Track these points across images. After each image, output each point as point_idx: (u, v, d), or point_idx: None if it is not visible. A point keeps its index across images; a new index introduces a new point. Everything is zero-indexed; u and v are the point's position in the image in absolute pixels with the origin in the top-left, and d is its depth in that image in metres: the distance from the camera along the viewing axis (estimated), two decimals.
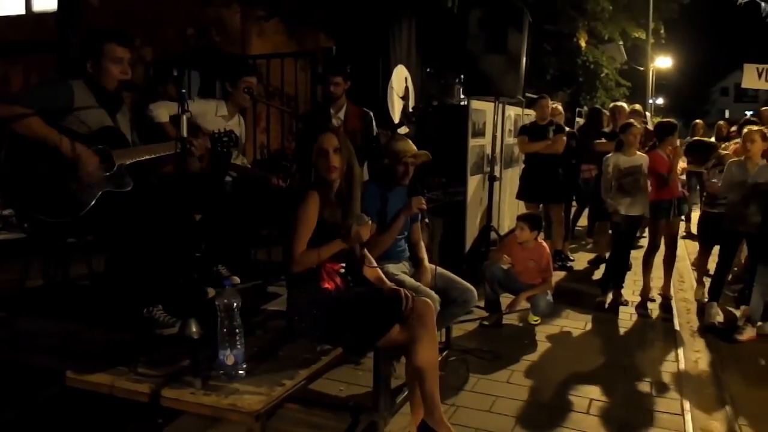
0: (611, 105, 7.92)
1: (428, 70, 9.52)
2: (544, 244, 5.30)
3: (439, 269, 3.80)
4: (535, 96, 8.58)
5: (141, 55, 3.55)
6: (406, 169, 3.71)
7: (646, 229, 6.21)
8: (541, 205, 7.15)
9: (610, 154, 5.67)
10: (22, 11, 10.36)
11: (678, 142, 6.44)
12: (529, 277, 5.12)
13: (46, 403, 2.99)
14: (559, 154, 6.86)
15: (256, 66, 6.10)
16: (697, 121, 9.48)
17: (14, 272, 3.43)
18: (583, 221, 9.01)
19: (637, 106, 8.02)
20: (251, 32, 10.70)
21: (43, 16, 9.92)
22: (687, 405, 3.69)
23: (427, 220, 3.71)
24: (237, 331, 2.47)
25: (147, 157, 3.18)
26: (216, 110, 3.96)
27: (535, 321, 5.14)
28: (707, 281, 5.66)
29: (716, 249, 5.60)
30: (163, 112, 3.75)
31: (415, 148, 3.80)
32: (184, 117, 2.72)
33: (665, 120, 6.12)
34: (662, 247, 5.83)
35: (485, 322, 5.06)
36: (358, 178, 3.08)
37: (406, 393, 3.43)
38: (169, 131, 3.71)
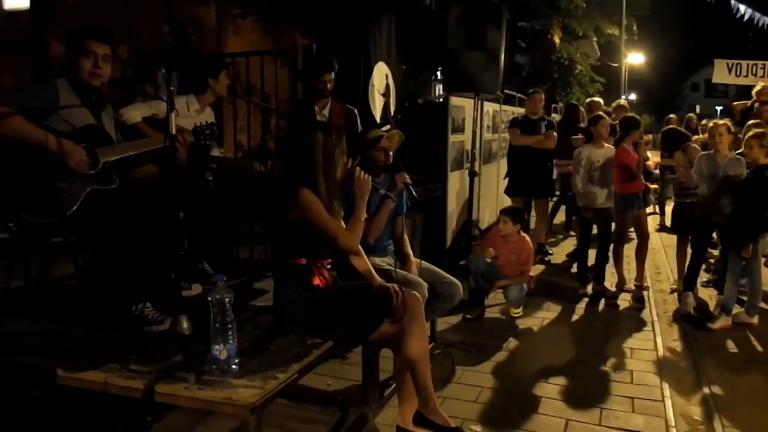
0: (588, 100, 8.04)
1: (403, 66, 9.57)
2: (527, 238, 5.39)
3: (425, 263, 3.86)
4: (512, 93, 8.68)
5: (116, 53, 3.53)
6: (386, 152, 3.77)
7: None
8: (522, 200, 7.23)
9: (581, 147, 5.79)
10: None
11: (650, 137, 6.58)
12: (511, 270, 5.21)
13: (33, 402, 2.98)
14: (550, 149, 6.97)
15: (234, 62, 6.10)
16: (671, 115, 9.67)
17: None
18: (560, 216, 9.14)
19: (622, 101, 8.15)
20: (227, 30, 10.66)
21: (15, 14, 9.75)
22: (666, 391, 3.79)
23: (415, 193, 3.75)
24: (230, 326, 2.49)
25: (132, 153, 3.18)
26: (188, 106, 3.95)
27: (517, 313, 5.22)
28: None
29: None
30: (134, 114, 3.72)
31: (384, 132, 3.88)
32: (172, 115, 2.73)
33: (629, 115, 6.26)
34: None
35: (468, 316, 5.12)
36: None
37: (394, 386, 3.49)
38: (144, 131, 3.70)
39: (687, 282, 5.53)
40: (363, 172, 3.11)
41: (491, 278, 5.19)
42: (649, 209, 6.88)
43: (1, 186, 2.89)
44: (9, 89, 3.34)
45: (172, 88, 2.73)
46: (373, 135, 3.81)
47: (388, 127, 5.38)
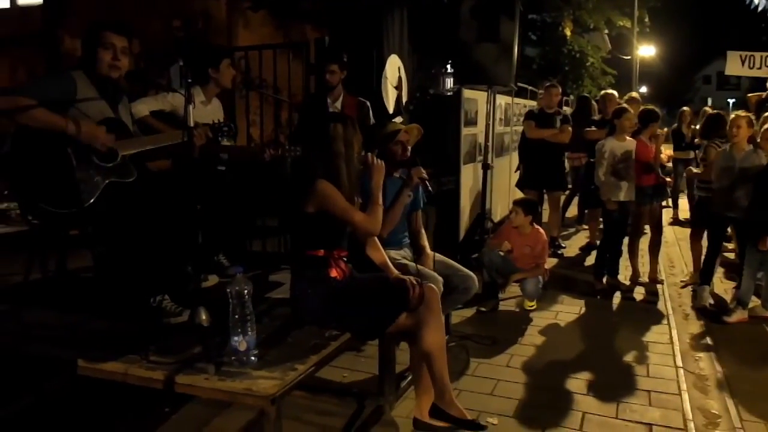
0: (601, 93, 8.00)
1: (415, 59, 9.56)
2: (541, 230, 5.37)
3: (440, 256, 3.84)
4: (524, 85, 8.64)
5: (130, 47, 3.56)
6: (404, 146, 3.75)
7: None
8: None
9: (605, 140, 5.73)
10: (6, 5, 10.25)
11: (664, 130, 6.49)
12: (525, 263, 5.20)
13: (54, 392, 3.00)
14: (564, 144, 6.94)
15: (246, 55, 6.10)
16: (685, 108, 9.59)
17: (15, 265, 3.43)
18: (572, 210, 9.11)
19: (634, 94, 8.10)
20: (238, 24, 10.69)
21: (29, 9, 9.82)
22: (683, 385, 3.77)
23: (429, 188, 3.74)
24: (248, 317, 2.49)
25: (150, 146, 3.19)
26: (193, 97, 3.94)
27: (531, 307, 5.21)
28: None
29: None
30: (142, 108, 3.75)
31: (402, 126, 3.87)
32: (190, 107, 2.73)
33: (649, 107, 6.21)
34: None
35: (482, 308, 5.12)
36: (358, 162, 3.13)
37: (410, 378, 3.49)
38: (153, 125, 3.72)
39: (702, 276, 5.50)
40: (375, 158, 3.12)
41: (505, 271, 5.19)
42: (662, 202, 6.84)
43: (21, 177, 2.91)
44: (27, 83, 3.36)
45: (189, 80, 2.73)
46: (390, 128, 3.79)
47: (400, 119, 5.38)
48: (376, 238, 3.20)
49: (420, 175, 3.71)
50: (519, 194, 7.26)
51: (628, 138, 5.67)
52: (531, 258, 5.23)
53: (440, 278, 3.42)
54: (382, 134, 3.79)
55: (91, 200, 2.93)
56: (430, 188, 3.77)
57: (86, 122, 2.96)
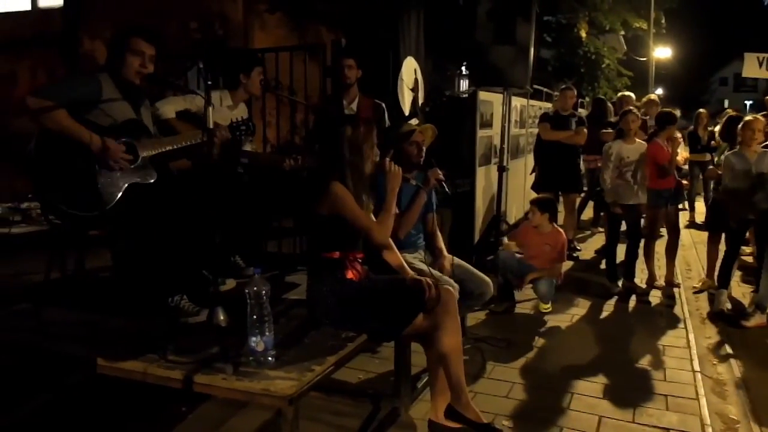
0: (619, 95, 7.97)
1: (431, 61, 9.55)
2: (561, 230, 5.35)
3: (457, 260, 3.85)
4: (540, 88, 8.61)
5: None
6: (418, 147, 3.75)
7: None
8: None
9: (611, 142, 5.72)
10: (28, 7, 10.36)
11: (678, 133, 6.42)
12: (542, 263, 5.17)
13: (73, 388, 3.04)
14: (580, 146, 6.92)
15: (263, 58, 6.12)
16: (701, 110, 9.50)
17: (35, 264, 3.47)
18: (588, 212, 9.06)
19: (653, 96, 8.06)
20: (254, 26, 10.72)
21: (49, 11, 9.93)
22: (701, 389, 3.73)
23: (447, 190, 3.73)
24: (266, 318, 2.51)
25: (170, 148, 3.22)
26: (221, 101, 3.97)
27: (546, 309, 5.18)
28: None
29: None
30: (168, 108, 3.77)
31: (417, 127, 3.87)
32: (210, 109, 2.75)
33: (666, 110, 6.17)
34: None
35: (495, 309, 5.10)
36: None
37: (425, 380, 3.50)
38: (176, 126, 3.74)
39: (720, 279, 5.45)
40: (393, 164, 3.11)
41: (521, 274, 5.17)
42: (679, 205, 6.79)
43: (44, 178, 2.94)
44: (55, 83, 3.39)
45: (210, 83, 2.76)
46: (406, 128, 3.80)
47: (416, 121, 5.38)
48: (391, 241, 3.20)
49: (437, 176, 3.72)
50: (534, 196, 7.23)
51: (638, 141, 5.65)
52: (550, 257, 5.20)
53: (456, 285, 3.41)
54: (397, 135, 3.80)
55: (113, 202, 2.97)
56: (447, 189, 3.77)
57: (108, 139, 2.97)
